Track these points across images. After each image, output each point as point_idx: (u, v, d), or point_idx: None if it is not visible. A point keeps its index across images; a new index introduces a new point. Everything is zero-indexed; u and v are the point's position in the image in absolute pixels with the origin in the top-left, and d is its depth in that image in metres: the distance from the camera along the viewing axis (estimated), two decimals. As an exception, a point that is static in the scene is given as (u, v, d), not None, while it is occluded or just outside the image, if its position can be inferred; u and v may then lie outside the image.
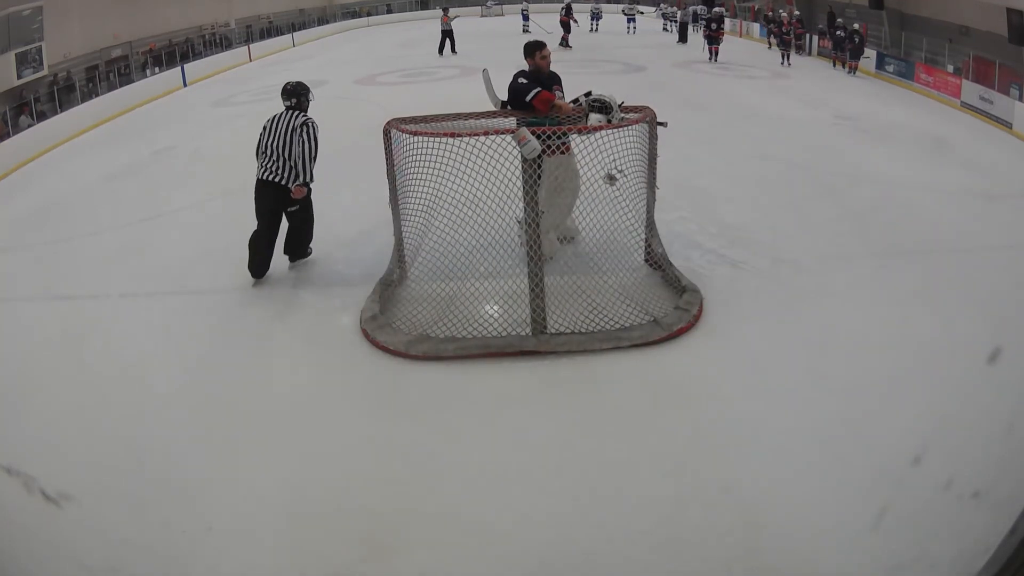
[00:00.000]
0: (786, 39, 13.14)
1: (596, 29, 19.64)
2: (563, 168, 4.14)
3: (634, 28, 19.99)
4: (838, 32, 13.23)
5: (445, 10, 17.93)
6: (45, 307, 4.67)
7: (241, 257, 5.09)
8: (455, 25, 16.53)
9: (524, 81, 4.20)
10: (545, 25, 19.32)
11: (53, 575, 2.43)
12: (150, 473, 2.90)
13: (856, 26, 13.31)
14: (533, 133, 3.59)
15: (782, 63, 13.17)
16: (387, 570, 2.44)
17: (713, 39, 13.65)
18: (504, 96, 4.61)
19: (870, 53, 12.78)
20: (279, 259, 4.84)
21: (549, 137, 3.65)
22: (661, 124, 4.16)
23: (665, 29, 20.24)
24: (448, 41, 16.22)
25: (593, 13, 20.02)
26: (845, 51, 12.92)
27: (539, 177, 3.72)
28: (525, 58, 4.43)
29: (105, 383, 3.63)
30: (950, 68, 10.71)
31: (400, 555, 2.48)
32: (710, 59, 13.61)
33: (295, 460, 2.97)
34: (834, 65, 13.54)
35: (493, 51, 15.72)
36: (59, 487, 2.73)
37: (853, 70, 13.15)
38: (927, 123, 8.95)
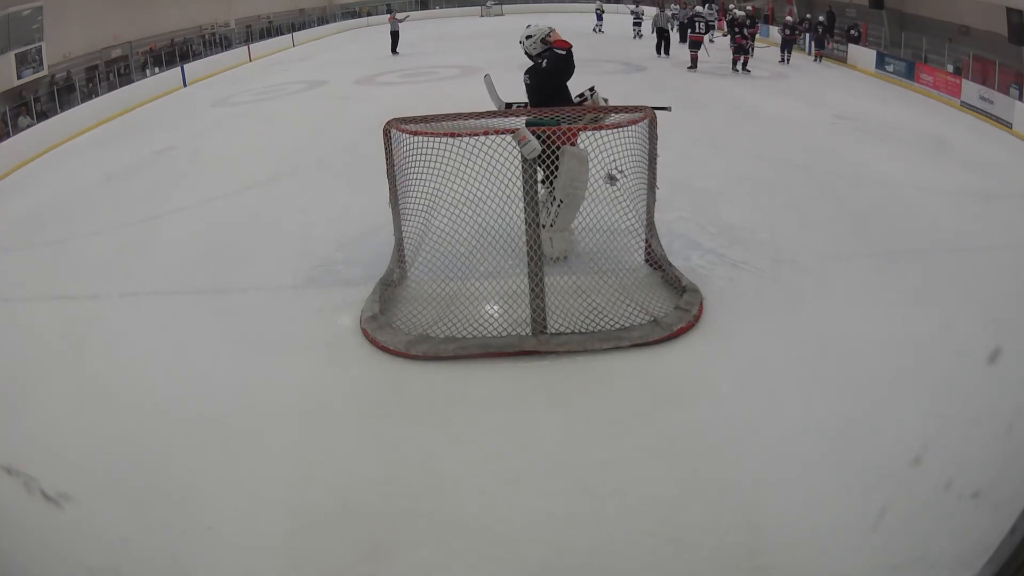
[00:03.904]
0: (740, 41, 12.08)
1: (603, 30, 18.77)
2: (577, 160, 4.14)
3: (601, 28, 18.72)
4: (786, 29, 13.26)
5: (392, 11, 17.94)
6: (45, 307, 4.67)
7: (241, 257, 5.11)
8: (402, 27, 16.90)
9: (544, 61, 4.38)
10: (612, 26, 18.65)
11: (53, 575, 2.43)
12: (150, 473, 2.91)
13: (808, 16, 13.78)
14: (533, 133, 3.59)
15: (734, 68, 12.20)
16: (387, 570, 2.44)
17: (741, 48, 12.41)
18: (507, 99, 4.63)
19: (870, 52, 12.77)
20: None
21: (549, 137, 3.67)
22: (664, 109, 4.18)
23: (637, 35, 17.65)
24: (393, 41, 16.43)
25: (598, 12, 19.28)
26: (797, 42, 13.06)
27: (556, 168, 3.83)
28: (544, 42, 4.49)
29: (105, 383, 3.64)
30: (950, 68, 10.70)
31: (400, 555, 2.48)
32: (735, 68, 12.43)
33: (295, 460, 2.97)
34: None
35: (495, 51, 15.75)
36: (59, 487, 2.73)
37: (819, 58, 13.88)
38: (927, 123, 8.95)
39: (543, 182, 4.11)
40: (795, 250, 4.77)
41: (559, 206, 4.20)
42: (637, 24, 18.06)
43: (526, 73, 4.50)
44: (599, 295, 3.91)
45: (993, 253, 4.72)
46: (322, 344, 3.88)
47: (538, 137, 3.58)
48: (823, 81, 12.07)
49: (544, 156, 3.80)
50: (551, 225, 4.26)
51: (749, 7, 14.69)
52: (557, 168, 3.93)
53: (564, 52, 4.35)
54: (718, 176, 6.39)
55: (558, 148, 3.84)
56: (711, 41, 13.81)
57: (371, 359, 3.68)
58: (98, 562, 2.46)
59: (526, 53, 4.56)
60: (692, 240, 4.89)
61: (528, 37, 4.51)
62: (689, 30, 13.12)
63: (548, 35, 4.48)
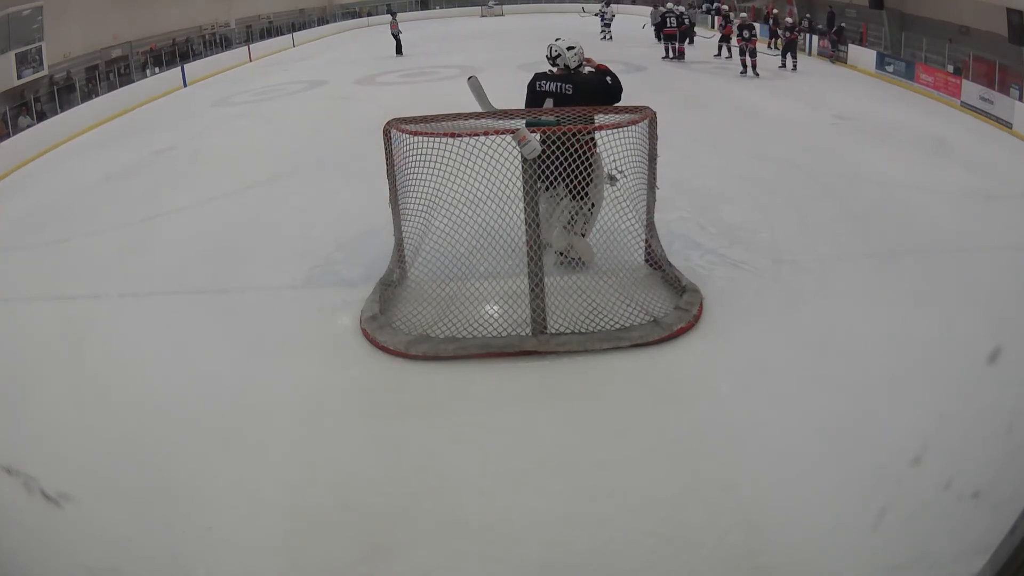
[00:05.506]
0: (740, 43, 12.23)
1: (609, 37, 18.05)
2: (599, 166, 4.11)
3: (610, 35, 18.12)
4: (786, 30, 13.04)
5: (393, 15, 18.13)
6: (45, 307, 4.67)
7: (241, 257, 5.10)
8: (403, 27, 17.11)
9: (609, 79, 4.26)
10: (620, 28, 18.33)
11: (53, 575, 2.43)
12: (150, 473, 2.91)
13: (808, 15, 14.05)
14: (539, 133, 3.58)
15: (743, 71, 12.25)
16: (387, 570, 2.44)
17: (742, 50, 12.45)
18: (496, 104, 4.44)
19: (870, 52, 12.76)
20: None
21: (566, 136, 3.63)
22: (614, 177, 4.04)
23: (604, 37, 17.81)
24: (397, 43, 16.55)
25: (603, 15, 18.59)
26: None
27: (590, 174, 3.84)
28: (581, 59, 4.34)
29: (105, 383, 3.64)
30: (950, 68, 10.69)
31: (400, 555, 2.48)
32: (743, 71, 12.33)
33: (295, 460, 2.97)
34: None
35: (496, 51, 15.75)
36: (59, 487, 2.73)
37: (833, 59, 13.81)
38: (927, 123, 8.94)
39: (571, 194, 4.04)
40: (795, 250, 4.77)
41: (590, 210, 4.20)
42: (607, 26, 17.99)
43: (565, 83, 4.22)
44: (599, 295, 3.91)
45: (993, 253, 4.72)
46: (322, 344, 3.88)
47: (543, 140, 3.57)
48: (823, 81, 12.06)
49: (568, 166, 3.73)
50: (583, 233, 4.27)
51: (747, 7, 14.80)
52: (581, 176, 3.82)
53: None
54: (718, 176, 6.39)
55: (589, 156, 3.81)
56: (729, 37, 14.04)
57: (371, 359, 3.68)
58: (98, 562, 2.46)
59: (564, 65, 4.26)
60: (692, 240, 4.89)
61: (569, 48, 4.22)
62: (663, 27, 14.46)
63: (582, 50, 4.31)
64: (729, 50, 13.97)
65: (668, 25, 14.23)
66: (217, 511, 2.67)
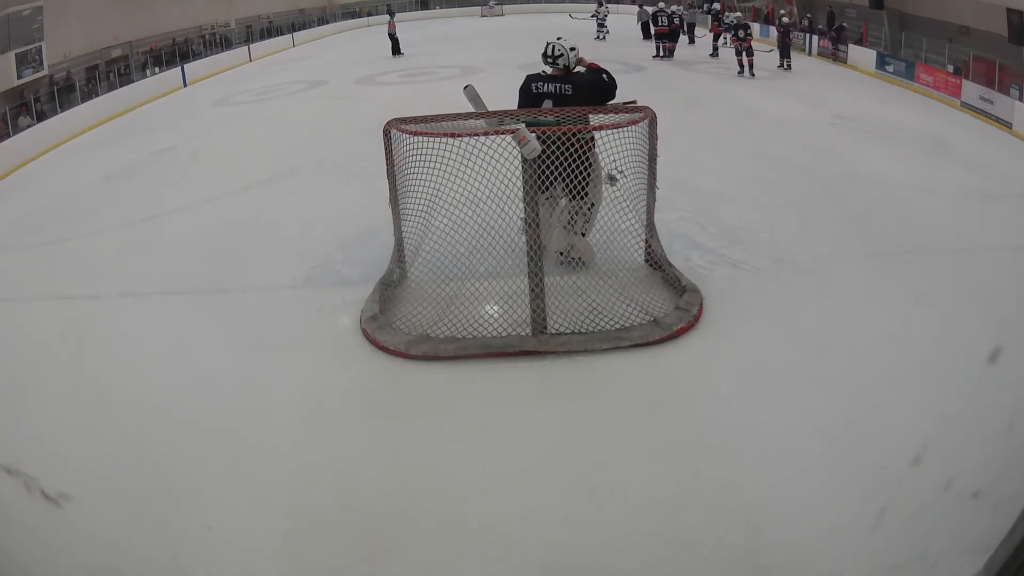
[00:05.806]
0: (735, 43, 12.20)
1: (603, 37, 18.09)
2: (597, 165, 4.09)
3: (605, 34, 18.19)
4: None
5: (391, 14, 18.34)
6: (45, 307, 4.67)
7: (241, 257, 5.10)
8: (401, 27, 17.28)
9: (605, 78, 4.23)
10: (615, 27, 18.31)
11: (53, 575, 2.43)
12: (150, 473, 2.91)
13: (809, 15, 14.26)
14: (538, 132, 3.57)
15: (740, 70, 12.19)
16: (387, 570, 2.44)
17: (743, 49, 12.24)
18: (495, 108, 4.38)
19: (870, 52, 12.76)
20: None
21: (568, 136, 3.62)
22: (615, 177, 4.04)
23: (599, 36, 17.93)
24: (393, 44, 16.63)
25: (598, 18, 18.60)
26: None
27: (589, 173, 3.83)
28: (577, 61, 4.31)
29: (105, 383, 3.64)
30: (950, 68, 10.69)
31: (400, 555, 2.48)
32: (740, 70, 12.24)
33: (295, 460, 2.97)
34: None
35: (496, 51, 15.75)
36: (59, 487, 2.73)
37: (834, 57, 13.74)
38: (927, 123, 8.94)
39: (569, 194, 4.03)
40: (795, 250, 4.77)
41: (590, 209, 4.20)
42: (601, 25, 18.04)
43: (565, 83, 4.17)
44: (599, 295, 3.91)
45: (993, 253, 4.72)
46: (322, 344, 3.88)
47: (543, 140, 3.57)
48: (823, 81, 12.07)
49: (568, 165, 3.71)
50: (583, 233, 4.26)
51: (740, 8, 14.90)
52: (581, 176, 3.81)
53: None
54: (718, 176, 6.39)
55: (588, 155, 3.80)
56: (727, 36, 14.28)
57: (371, 359, 3.68)
58: (98, 562, 2.46)
59: (564, 65, 4.20)
60: (692, 240, 4.88)
61: (572, 49, 4.18)
62: (653, 26, 14.69)
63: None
64: (717, 50, 14.15)
65: (660, 24, 14.43)
66: (217, 511, 2.67)
